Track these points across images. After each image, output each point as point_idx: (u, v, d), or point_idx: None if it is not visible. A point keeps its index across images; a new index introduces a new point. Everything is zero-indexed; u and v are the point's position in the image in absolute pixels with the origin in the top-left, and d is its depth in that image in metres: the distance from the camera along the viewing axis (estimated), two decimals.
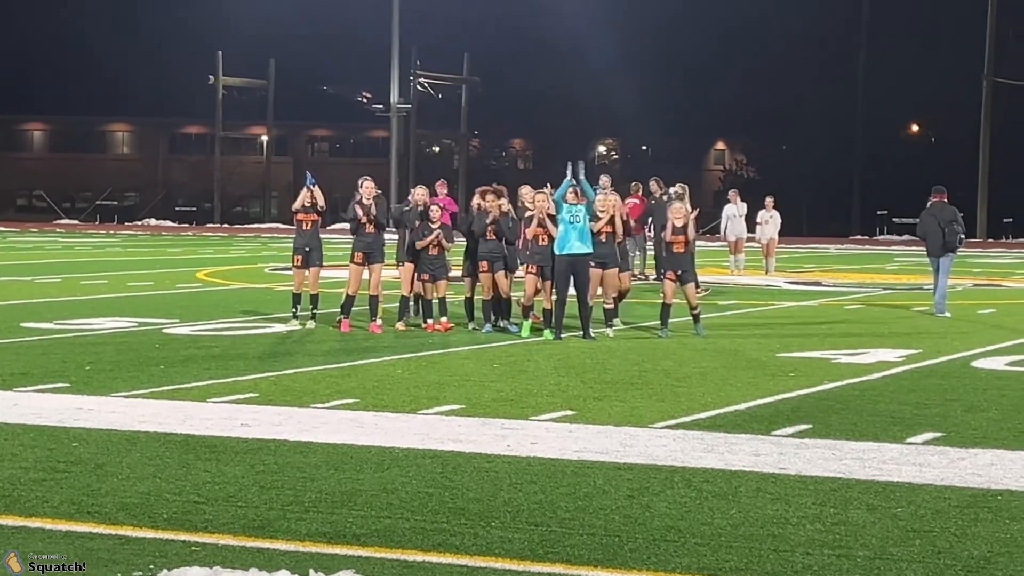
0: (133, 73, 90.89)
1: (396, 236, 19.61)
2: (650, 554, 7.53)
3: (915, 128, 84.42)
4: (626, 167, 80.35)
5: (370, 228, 18.76)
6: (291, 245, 19.89)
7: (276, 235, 63.51)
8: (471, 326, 19.08)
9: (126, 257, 41.00)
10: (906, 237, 61.69)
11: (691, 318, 18.64)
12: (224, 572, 6.86)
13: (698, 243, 25.69)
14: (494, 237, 18.88)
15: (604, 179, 22.38)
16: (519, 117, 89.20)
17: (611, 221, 18.46)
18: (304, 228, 19.21)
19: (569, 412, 12.07)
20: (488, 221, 18.87)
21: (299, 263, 19.25)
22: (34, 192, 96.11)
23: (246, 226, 78.32)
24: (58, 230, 68.08)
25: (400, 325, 18.96)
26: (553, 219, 18.21)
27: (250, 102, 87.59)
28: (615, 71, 79.21)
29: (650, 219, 28.88)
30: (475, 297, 19.41)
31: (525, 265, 18.70)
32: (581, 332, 18.02)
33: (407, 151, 72.83)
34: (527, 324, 18.45)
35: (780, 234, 34.37)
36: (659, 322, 18.74)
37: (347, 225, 19.45)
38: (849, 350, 16.96)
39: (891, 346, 17.51)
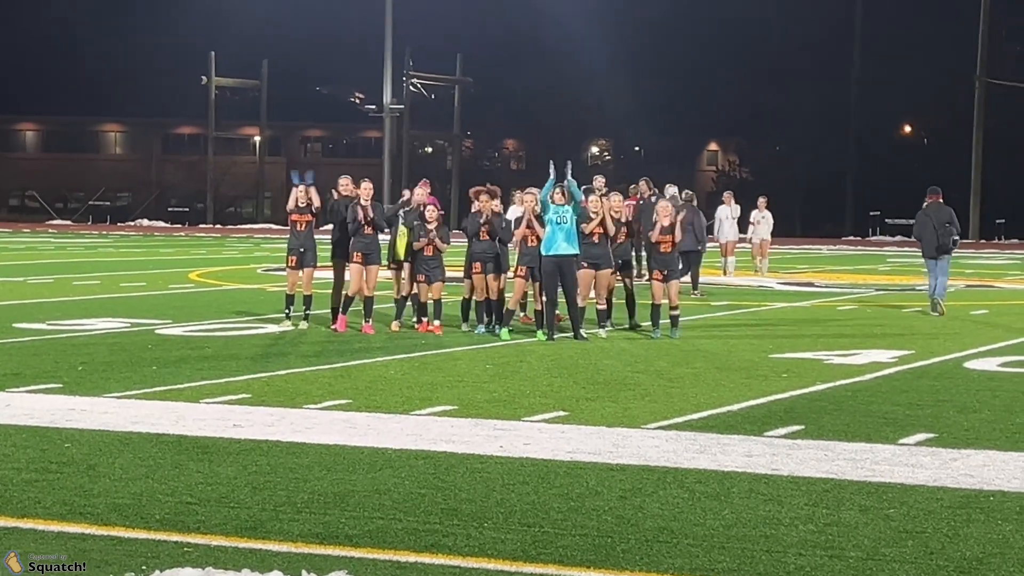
0: (126, 73, 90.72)
1: (389, 237, 19.60)
2: (643, 555, 7.53)
3: (908, 129, 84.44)
4: (619, 168, 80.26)
5: (368, 229, 18.76)
6: (284, 246, 19.89)
7: (269, 236, 63.44)
8: (464, 327, 19.08)
9: (119, 258, 40.97)
10: (899, 238, 61.77)
11: (670, 319, 18.57)
12: (216, 573, 6.86)
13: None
14: (487, 238, 18.88)
15: (599, 180, 22.35)
16: (512, 118, 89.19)
17: (602, 222, 18.43)
18: (298, 229, 19.20)
19: (562, 413, 12.08)
20: (481, 221, 18.87)
21: (293, 264, 19.24)
22: (27, 192, 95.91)
23: (239, 227, 78.25)
24: (51, 230, 68.01)
25: (395, 325, 18.97)
26: (540, 220, 18.20)
27: (243, 102, 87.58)
28: (608, 72, 79.21)
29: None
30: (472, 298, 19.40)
31: (515, 267, 18.70)
32: (572, 333, 18.01)
33: (400, 152, 72.78)
34: (505, 330, 18.35)
35: (773, 235, 34.43)
36: (650, 323, 18.74)
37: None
38: (842, 351, 16.97)
39: (884, 347, 17.52)
